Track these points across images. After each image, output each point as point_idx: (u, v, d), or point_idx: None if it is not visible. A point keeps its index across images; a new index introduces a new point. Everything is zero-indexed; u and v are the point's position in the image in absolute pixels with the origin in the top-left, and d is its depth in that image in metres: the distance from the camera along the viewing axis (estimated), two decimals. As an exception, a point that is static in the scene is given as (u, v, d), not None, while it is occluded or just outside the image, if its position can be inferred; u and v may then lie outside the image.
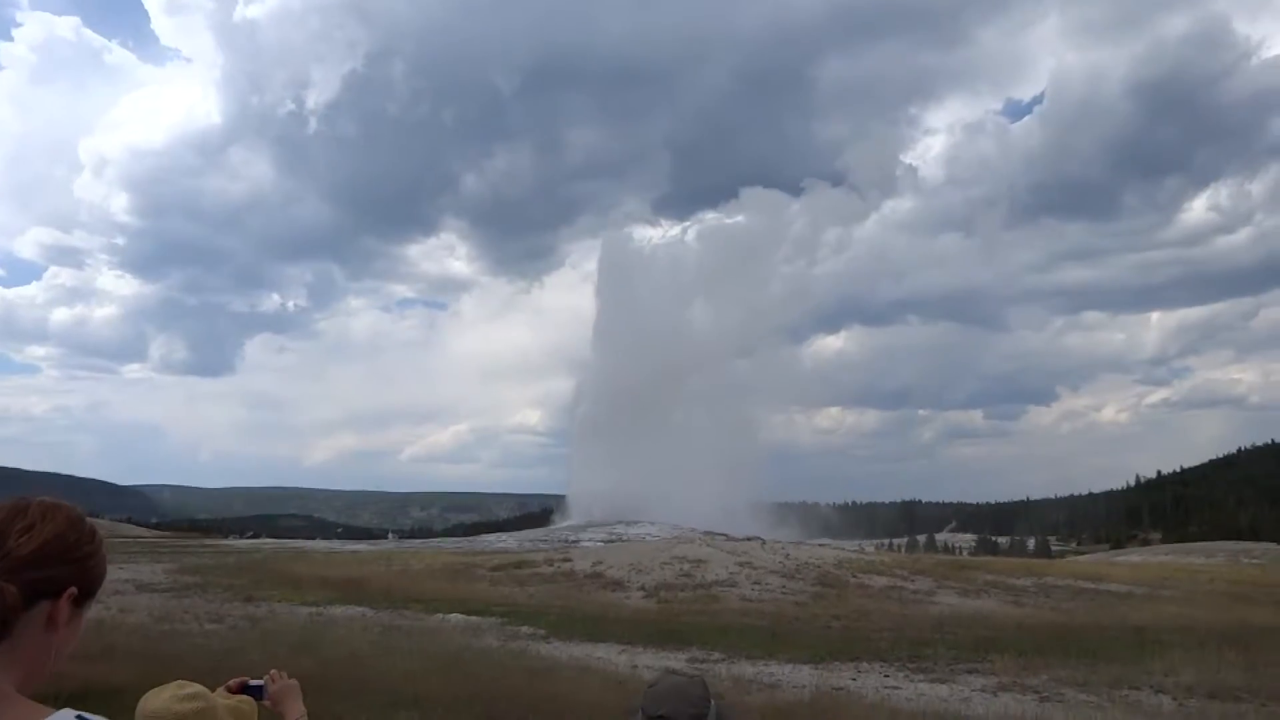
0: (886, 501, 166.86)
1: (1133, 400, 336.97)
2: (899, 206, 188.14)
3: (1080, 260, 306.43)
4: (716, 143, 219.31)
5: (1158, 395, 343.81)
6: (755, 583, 24.39)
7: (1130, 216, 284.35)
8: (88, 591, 1.18)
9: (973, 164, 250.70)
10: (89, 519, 1.22)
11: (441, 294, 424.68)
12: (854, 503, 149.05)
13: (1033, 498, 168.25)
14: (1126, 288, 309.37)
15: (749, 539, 39.39)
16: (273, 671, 1.96)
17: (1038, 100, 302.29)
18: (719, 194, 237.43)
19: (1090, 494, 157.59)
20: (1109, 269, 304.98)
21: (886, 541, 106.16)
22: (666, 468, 64.97)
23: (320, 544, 52.56)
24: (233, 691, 1.89)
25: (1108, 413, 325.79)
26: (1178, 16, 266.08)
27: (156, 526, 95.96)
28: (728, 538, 39.89)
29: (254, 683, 1.92)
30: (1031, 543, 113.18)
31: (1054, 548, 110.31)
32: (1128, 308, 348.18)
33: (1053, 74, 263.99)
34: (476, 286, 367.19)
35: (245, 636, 13.73)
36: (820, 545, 40.12)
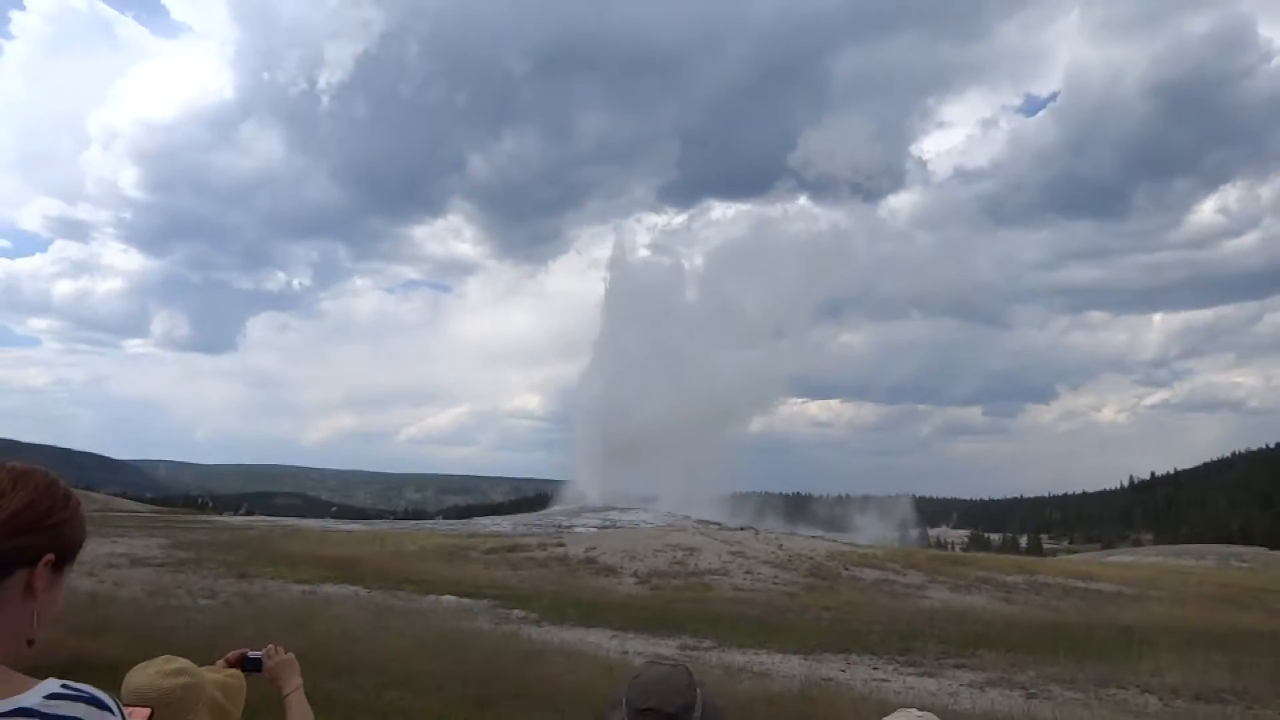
0: (882, 495, 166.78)
1: (1132, 401, 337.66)
2: (906, 200, 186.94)
3: (1087, 260, 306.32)
4: (726, 132, 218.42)
5: (1157, 396, 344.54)
6: (747, 572, 24.50)
7: (1139, 217, 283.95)
8: (65, 556, 1.16)
9: (982, 159, 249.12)
10: (63, 482, 1.19)
11: (446, 276, 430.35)
12: (847, 495, 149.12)
13: (1027, 495, 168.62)
14: (1131, 288, 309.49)
15: (742, 528, 39.53)
16: (270, 646, 1.99)
17: (1053, 97, 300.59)
18: (727, 183, 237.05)
19: (1084, 493, 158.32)
20: (1115, 269, 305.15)
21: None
22: (665, 457, 65.02)
23: (314, 523, 52.55)
24: (231, 664, 1.91)
25: (1106, 413, 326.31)
26: (1200, 16, 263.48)
27: (151, 501, 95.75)
28: (721, 527, 39.98)
29: (253, 654, 1.95)
30: (1024, 540, 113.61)
31: (1046, 546, 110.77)
32: (1132, 308, 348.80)
33: (1069, 71, 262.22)
34: (481, 269, 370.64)
35: (238, 613, 13.79)
36: (813, 537, 40.21)
